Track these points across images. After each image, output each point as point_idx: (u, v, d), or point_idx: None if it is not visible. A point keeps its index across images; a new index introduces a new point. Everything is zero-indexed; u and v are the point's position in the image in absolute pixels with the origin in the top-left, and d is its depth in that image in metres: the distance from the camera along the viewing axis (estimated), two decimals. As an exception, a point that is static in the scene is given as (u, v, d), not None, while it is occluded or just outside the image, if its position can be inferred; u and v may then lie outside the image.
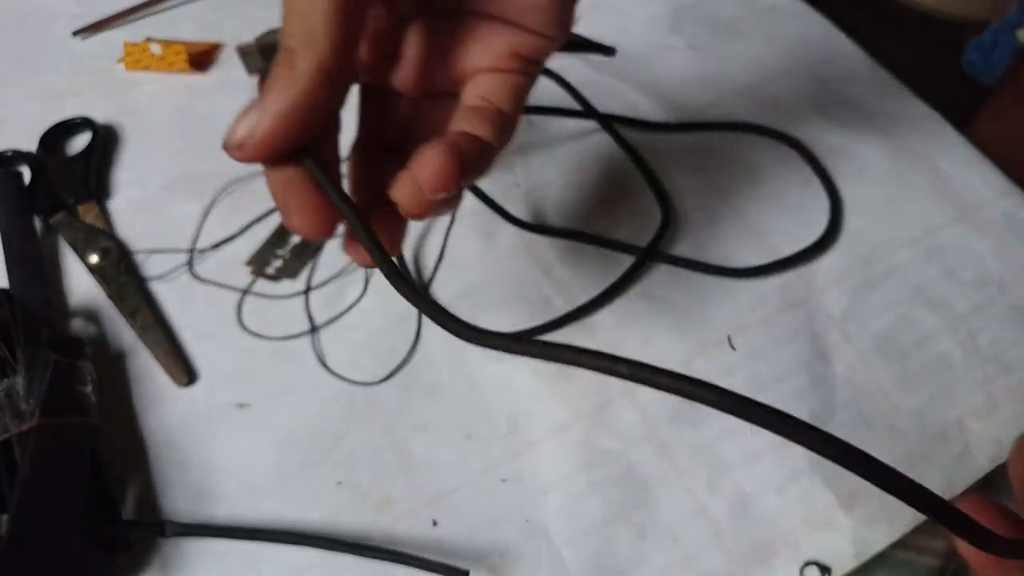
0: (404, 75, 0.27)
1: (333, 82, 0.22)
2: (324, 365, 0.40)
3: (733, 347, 0.41)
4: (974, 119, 0.52)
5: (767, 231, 0.45)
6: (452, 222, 0.45)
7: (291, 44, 0.22)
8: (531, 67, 0.26)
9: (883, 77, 0.53)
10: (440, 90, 0.27)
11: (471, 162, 0.24)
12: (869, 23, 0.57)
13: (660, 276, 0.43)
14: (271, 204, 0.46)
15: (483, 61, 0.26)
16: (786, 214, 0.46)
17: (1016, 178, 0.48)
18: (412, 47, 0.26)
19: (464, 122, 0.25)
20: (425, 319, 0.42)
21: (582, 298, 0.42)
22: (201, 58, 0.54)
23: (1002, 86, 0.52)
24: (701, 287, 0.43)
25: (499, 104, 0.25)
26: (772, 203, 0.46)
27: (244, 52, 0.53)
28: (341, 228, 0.25)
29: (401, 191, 0.24)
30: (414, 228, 0.45)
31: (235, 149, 0.23)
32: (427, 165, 0.23)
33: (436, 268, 0.43)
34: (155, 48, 0.52)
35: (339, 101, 0.24)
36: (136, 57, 0.53)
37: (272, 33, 0.53)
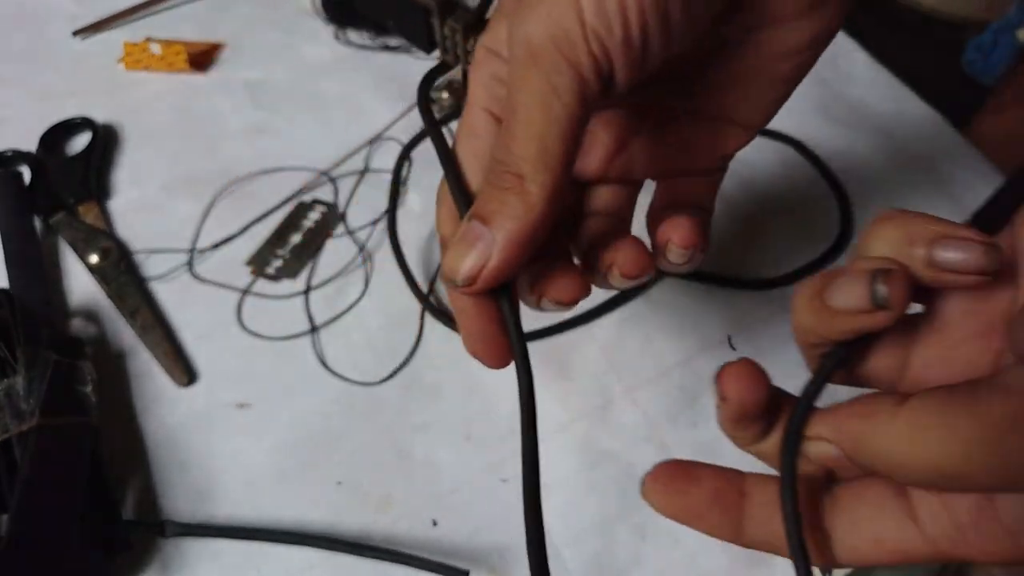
0: (590, 162, 0.25)
1: (559, 204, 0.21)
2: (324, 365, 0.40)
3: (733, 347, 0.41)
4: (974, 119, 0.52)
5: (771, 234, 0.45)
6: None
7: (522, 168, 0.20)
8: (727, 163, 0.26)
9: (884, 78, 0.53)
10: (621, 178, 0.26)
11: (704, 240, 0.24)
12: (869, 23, 0.57)
13: (665, 282, 0.43)
14: (271, 204, 0.46)
15: (689, 162, 0.25)
16: (789, 215, 0.46)
17: (1016, 178, 0.48)
18: (610, 140, 0.25)
19: (679, 223, 0.24)
20: (427, 320, 0.42)
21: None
22: (201, 58, 0.54)
23: (1002, 86, 0.53)
24: (701, 285, 0.43)
25: (705, 205, 0.25)
26: (775, 204, 0.46)
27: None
28: None
29: (628, 253, 0.23)
30: (417, 229, 0.45)
31: (464, 284, 0.21)
32: (678, 226, 0.23)
33: (438, 270, 0.43)
34: (155, 48, 0.52)
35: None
36: (136, 57, 0.53)
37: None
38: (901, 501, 0.19)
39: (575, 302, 0.24)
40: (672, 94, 0.25)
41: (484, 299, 0.22)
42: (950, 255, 0.18)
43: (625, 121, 0.25)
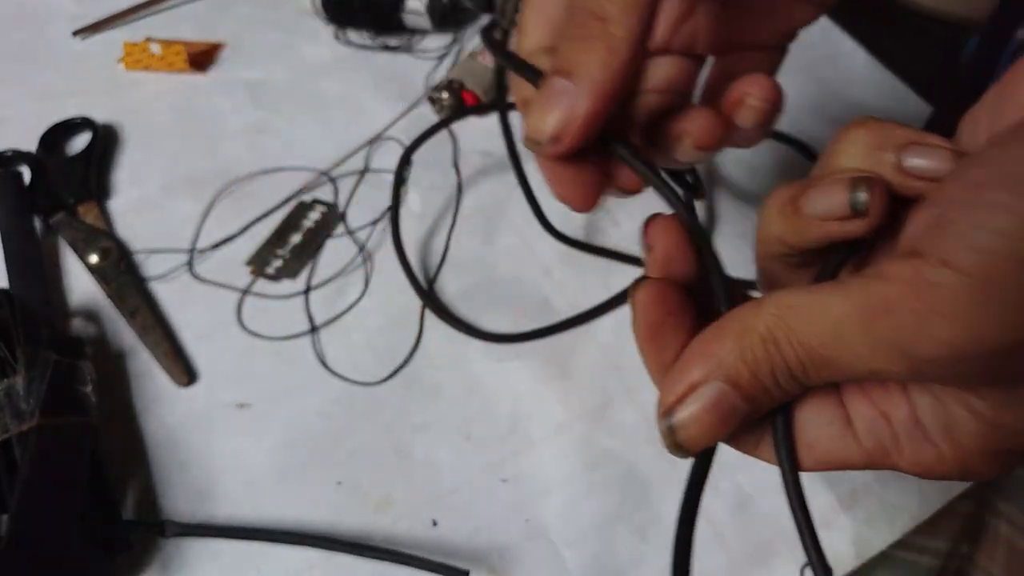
0: (654, 30, 0.24)
1: (642, 53, 0.20)
2: (325, 365, 0.40)
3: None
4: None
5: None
6: (454, 224, 0.45)
7: (606, 9, 0.19)
8: (791, 39, 0.25)
9: (884, 77, 0.53)
10: (684, 50, 0.24)
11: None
12: (869, 23, 0.57)
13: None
14: (271, 204, 0.46)
15: (753, 35, 0.24)
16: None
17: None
18: (674, 6, 0.24)
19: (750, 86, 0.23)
20: (428, 319, 0.42)
21: (581, 299, 0.42)
22: (201, 58, 0.54)
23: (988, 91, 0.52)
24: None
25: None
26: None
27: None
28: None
29: (700, 120, 0.22)
30: (417, 229, 0.45)
31: (549, 144, 0.20)
32: (755, 82, 0.22)
33: (439, 268, 0.43)
34: (155, 48, 0.52)
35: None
36: (136, 57, 0.53)
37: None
38: (839, 411, 0.19)
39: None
40: None
41: (573, 162, 0.21)
42: (920, 161, 0.18)
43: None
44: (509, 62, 0.23)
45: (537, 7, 0.23)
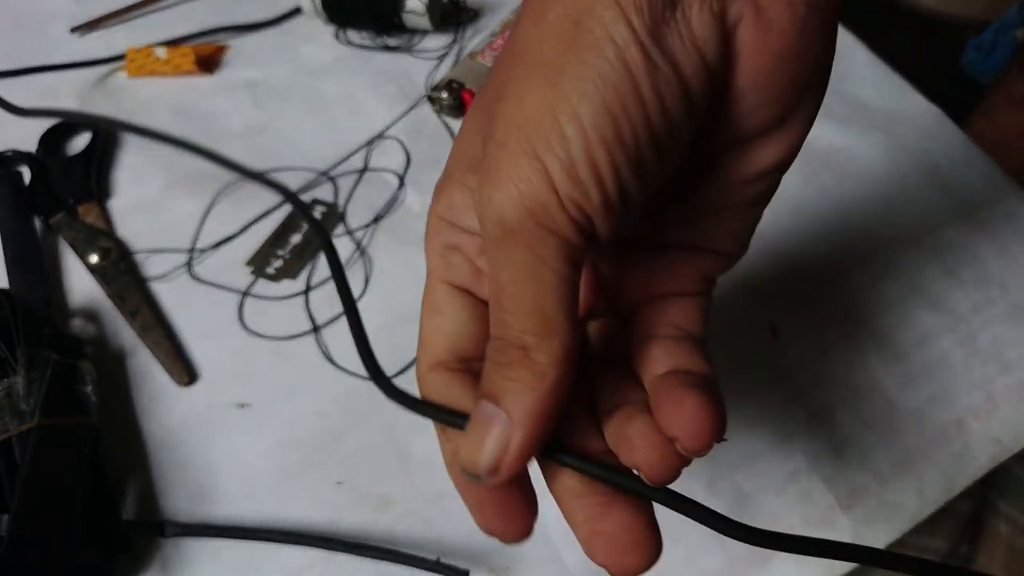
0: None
1: (574, 366, 0.19)
2: (331, 361, 0.40)
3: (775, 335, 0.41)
4: (969, 120, 0.52)
5: (768, 232, 0.45)
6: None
7: (526, 340, 0.18)
8: (712, 286, 0.24)
9: (885, 74, 0.53)
10: (606, 311, 0.24)
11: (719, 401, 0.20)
12: (869, 23, 0.57)
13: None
14: (271, 204, 0.46)
15: (671, 286, 0.23)
16: (791, 216, 0.46)
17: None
18: (588, 277, 0.24)
19: (675, 357, 0.22)
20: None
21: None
22: (208, 60, 0.53)
23: (993, 88, 0.52)
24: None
25: (694, 331, 0.23)
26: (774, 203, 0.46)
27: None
28: None
29: (648, 453, 0.20)
30: (418, 229, 0.45)
31: (488, 475, 0.19)
32: (686, 414, 0.19)
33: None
34: (160, 52, 0.52)
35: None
36: (139, 63, 0.52)
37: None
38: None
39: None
40: (645, 227, 0.23)
41: (508, 486, 0.20)
42: None
43: (601, 258, 0.24)
44: (429, 413, 0.22)
45: (433, 317, 0.22)
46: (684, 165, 0.20)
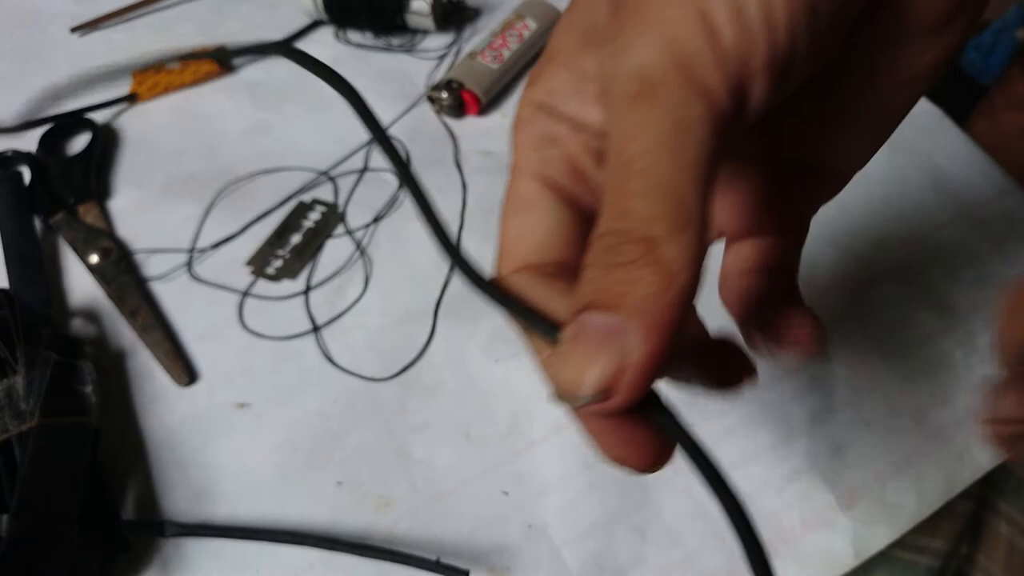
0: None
1: (701, 269, 0.15)
2: (331, 361, 0.40)
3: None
4: (970, 120, 0.52)
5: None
6: (461, 226, 0.45)
7: (653, 231, 0.15)
8: (807, 223, 0.22)
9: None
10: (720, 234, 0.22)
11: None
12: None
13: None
14: (271, 204, 0.46)
15: (769, 221, 0.21)
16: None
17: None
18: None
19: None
20: (440, 319, 0.42)
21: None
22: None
23: (993, 89, 0.52)
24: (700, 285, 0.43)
25: (790, 264, 0.21)
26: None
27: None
28: None
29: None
30: (418, 229, 0.45)
31: (597, 399, 0.15)
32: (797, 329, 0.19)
33: (452, 269, 0.43)
34: (174, 64, 0.51)
35: None
36: (151, 83, 0.51)
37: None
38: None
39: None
40: (769, 137, 0.20)
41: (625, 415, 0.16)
42: None
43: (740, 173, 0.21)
44: (517, 312, 0.18)
45: (520, 218, 0.19)
46: (833, 57, 0.17)
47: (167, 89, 0.51)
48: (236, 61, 0.54)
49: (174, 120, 0.51)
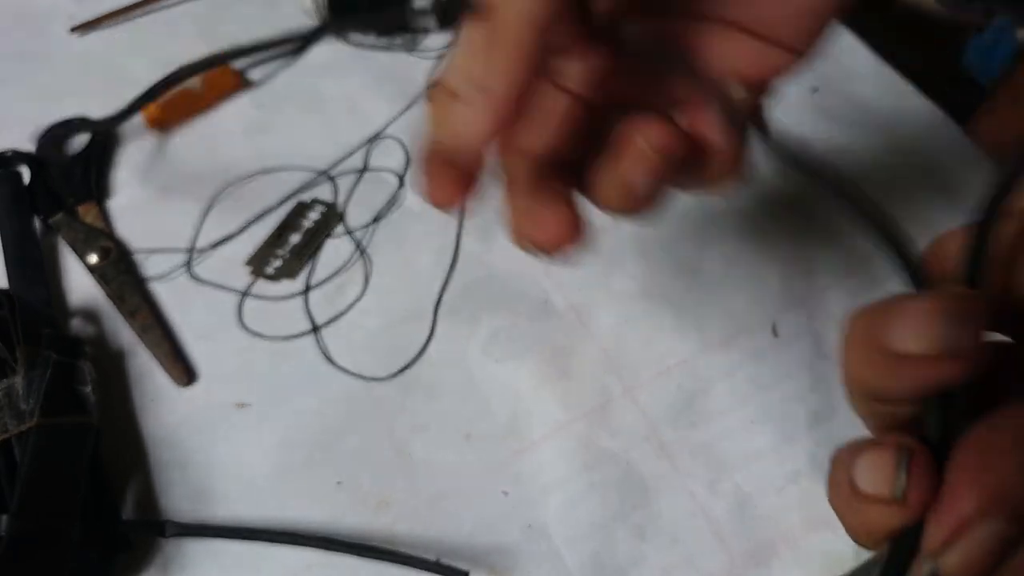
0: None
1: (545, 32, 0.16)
2: (331, 361, 0.40)
3: (776, 334, 0.40)
4: (971, 121, 0.52)
5: (769, 231, 0.45)
6: (461, 225, 0.45)
7: None
8: (761, 94, 0.20)
9: (887, 74, 0.53)
10: (636, 103, 0.21)
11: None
12: (868, 23, 0.57)
13: (662, 275, 0.43)
14: (270, 204, 0.46)
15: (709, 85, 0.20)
16: (792, 216, 0.46)
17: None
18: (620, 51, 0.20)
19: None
20: (440, 319, 0.42)
21: (580, 297, 0.42)
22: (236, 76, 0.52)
23: (997, 89, 0.52)
24: (701, 284, 0.43)
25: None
26: (774, 202, 0.46)
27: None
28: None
29: (609, 179, 0.18)
30: (418, 229, 0.45)
31: (448, 145, 0.16)
32: (652, 124, 0.18)
33: (453, 265, 0.43)
34: (194, 83, 0.48)
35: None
36: (170, 111, 0.49)
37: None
38: None
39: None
40: None
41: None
42: None
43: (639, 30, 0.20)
44: None
45: None
46: None
47: (189, 114, 0.50)
48: (237, 63, 0.54)
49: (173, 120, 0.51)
